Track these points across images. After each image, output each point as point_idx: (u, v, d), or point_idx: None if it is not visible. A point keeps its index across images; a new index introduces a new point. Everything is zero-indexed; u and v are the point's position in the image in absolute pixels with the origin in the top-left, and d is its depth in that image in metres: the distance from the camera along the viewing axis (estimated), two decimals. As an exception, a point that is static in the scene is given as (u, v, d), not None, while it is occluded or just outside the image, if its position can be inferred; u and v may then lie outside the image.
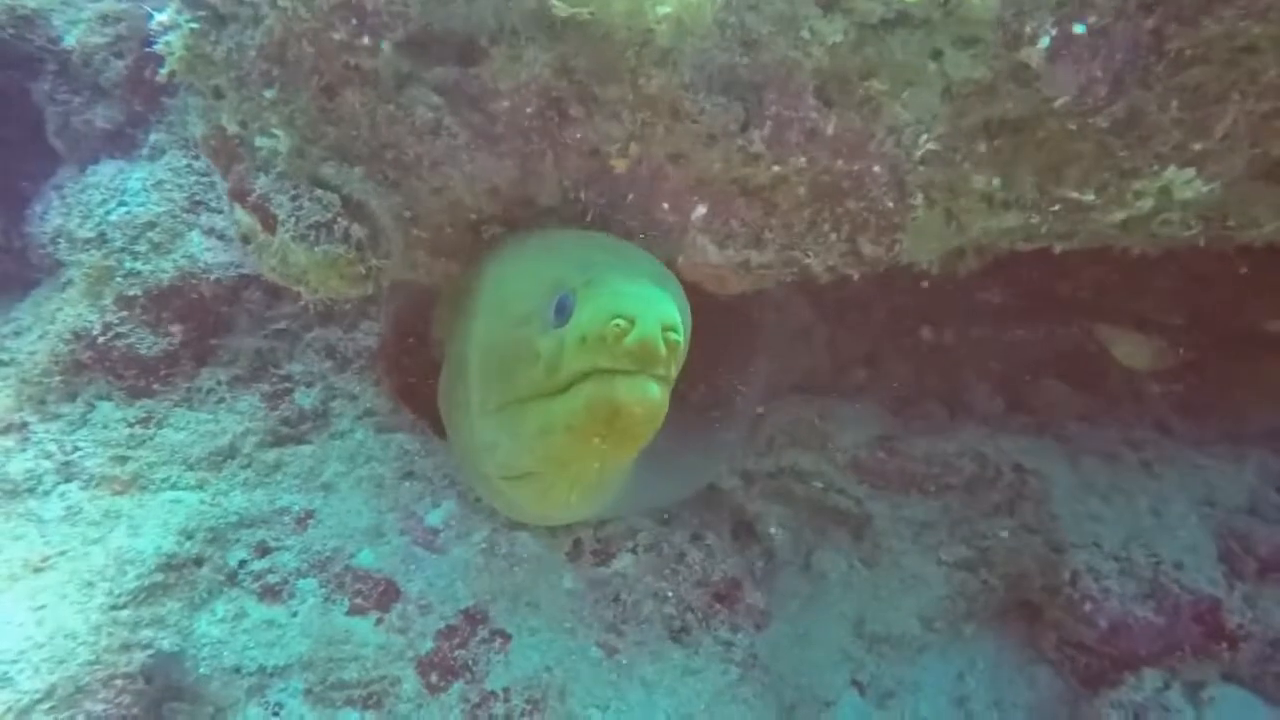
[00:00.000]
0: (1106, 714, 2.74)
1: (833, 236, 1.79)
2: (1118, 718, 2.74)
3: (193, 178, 2.57)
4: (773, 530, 3.04)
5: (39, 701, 1.80)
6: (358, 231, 1.58)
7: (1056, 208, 1.59)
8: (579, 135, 1.66)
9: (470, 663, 2.10)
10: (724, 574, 2.42)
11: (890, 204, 1.70)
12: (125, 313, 2.39)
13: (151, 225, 2.45)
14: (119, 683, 1.88)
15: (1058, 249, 1.90)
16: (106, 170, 2.58)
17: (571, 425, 1.38)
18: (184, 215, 2.51)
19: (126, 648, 1.97)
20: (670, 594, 2.32)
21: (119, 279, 2.39)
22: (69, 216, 2.52)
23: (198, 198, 2.55)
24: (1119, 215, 1.58)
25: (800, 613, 2.89)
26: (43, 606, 1.97)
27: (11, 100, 2.77)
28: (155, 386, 2.43)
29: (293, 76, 1.49)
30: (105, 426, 2.35)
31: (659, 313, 1.33)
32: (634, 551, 2.39)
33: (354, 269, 1.60)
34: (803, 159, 1.61)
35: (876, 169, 1.62)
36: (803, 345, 3.50)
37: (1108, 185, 1.53)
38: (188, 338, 2.47)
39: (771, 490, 3.10)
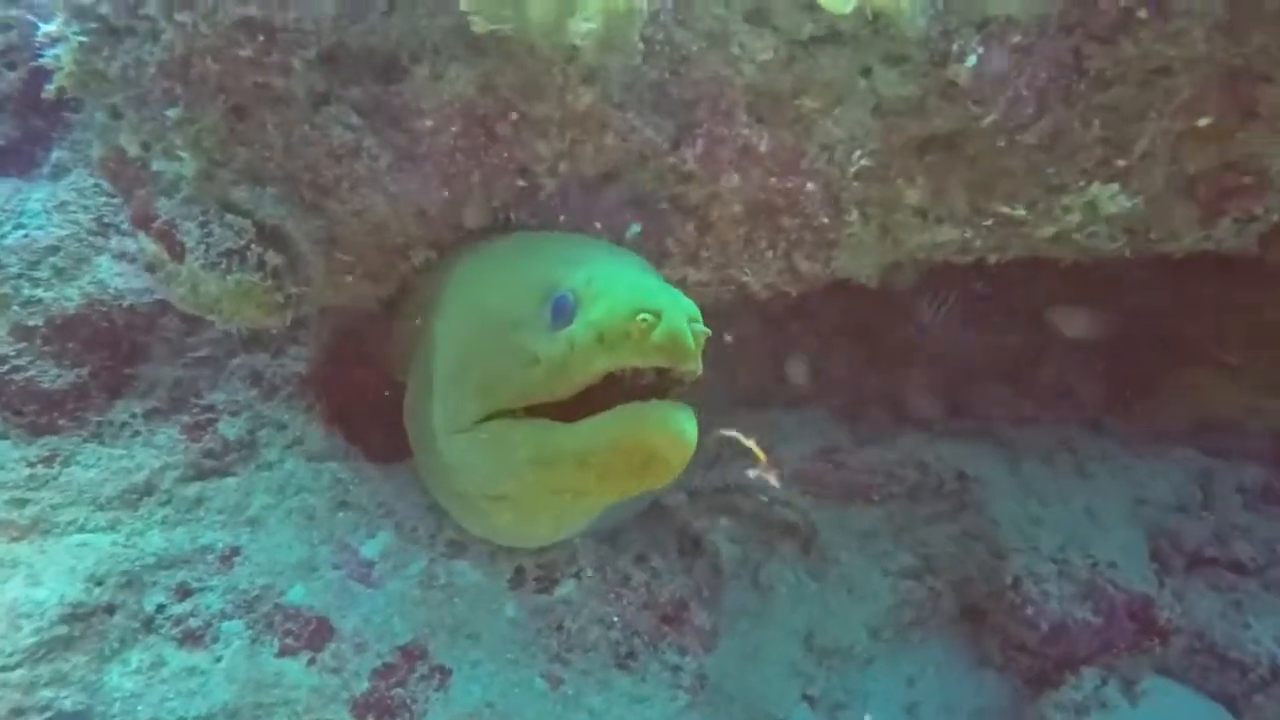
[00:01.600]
0: (1050, 714, 2.78)
1: (769, 254, 1.77)
2: (1060, 717, 2.79)
3: (101, 199, 2.42)
4: (719, 546, 3.02)
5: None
6: (273, 258, 1.49)
7: (989, 222, 1.60)
8: (506, 154, 1.61)
9: (409, 701, 2.01)
10: (670, 595, 2.38)
11: (825, 220, 1.69)
12: (23, 344, 2.23)
13: (54, 250, 2.30)
14: (15, 753, 1.74)
15: (992, 260, 1.92)
16: (1, 190, 2.42)
17: (587, 462, 1.29)
18: (91, 239, 2.36)
19: (21, 713, 1.82)
20: (616, 619, 2.26)
21: (15, 308, 2.23)
22: (-39, 241, 2.35)
23: (106, 220, 2.40)
24: (1049, 230, 1.60)
25: (750, 630, 2.86)
26: (-81, 675, 1.81)
27: None
28: (61, 422, 2.28)
29: (198, 95, 1.41)
30: (1, 468, 2.19)
31: (683, 304, 1.25)
32: (578, 577, 2.33)
33: (271, 297, 1.51)
34: (736, 177, 1.58)
35: (810, 186, 1.61)
36: (745, 356, 3.49)
37: (1037, 201, 1.55)
38: (98, 369, 2.32)
39: (717, 506, 3.07)
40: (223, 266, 1.44)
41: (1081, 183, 1.46)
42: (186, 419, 2.42)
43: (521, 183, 1.65)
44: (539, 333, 1.36)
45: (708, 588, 2.75)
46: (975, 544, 2.94)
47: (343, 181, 1.53)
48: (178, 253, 1.45)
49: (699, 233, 1.74)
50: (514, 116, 1.55)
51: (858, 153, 1.56)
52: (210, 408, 2.45)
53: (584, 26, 1.32)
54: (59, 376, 2.26)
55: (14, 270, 2.24)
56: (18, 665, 1.85)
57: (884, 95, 1.41)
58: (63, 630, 1.95)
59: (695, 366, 1.28)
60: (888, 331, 3.62)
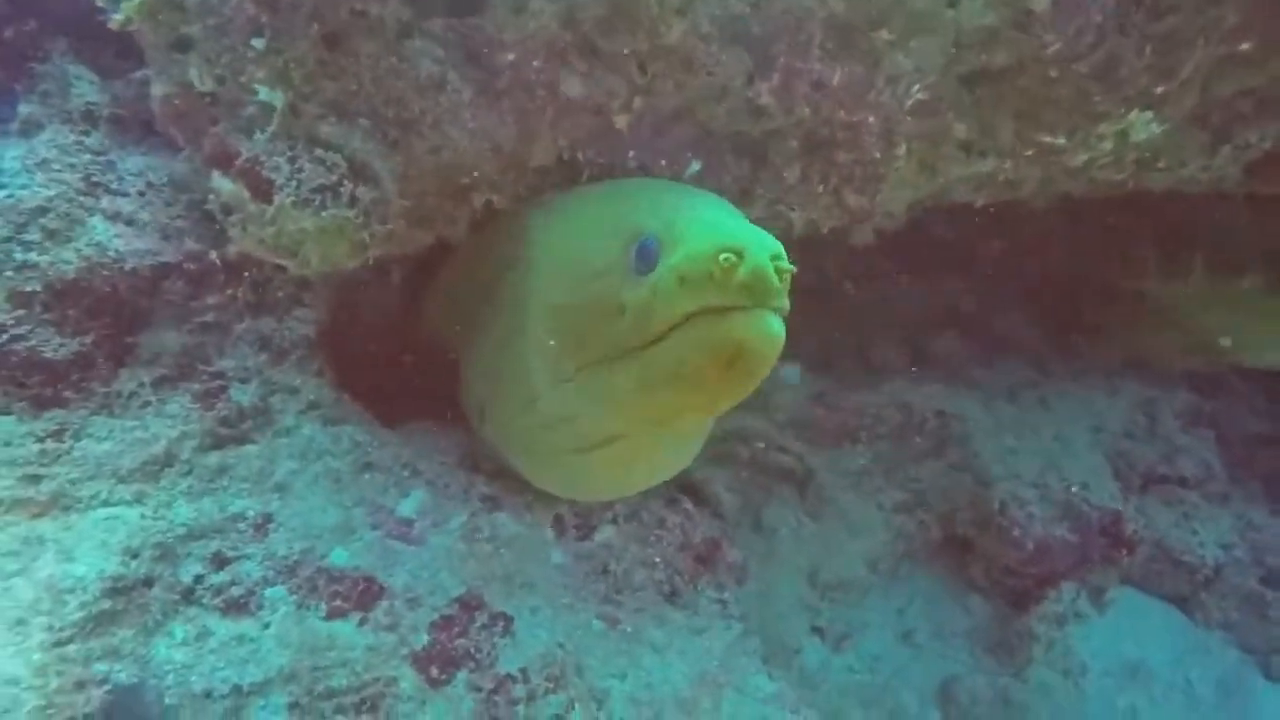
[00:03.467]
0: (1035, 627, 3.02)
1: (820, 189, 1.85)
2: (1044, 629, 3.04)
3: (86, 156, 2.26)
4: (719, 494, 3.11)
5: (-7, 758, 1.56)
6: (365, 195, 1.46)
7: (1030, 152, 1.72)
8: (582, 91, 1.62)
9: (473, 650, 2.00)
10: (704, 535, 2.45)
11: (877, 154, 1.78)
12: (22, 311, 2.08)
13: (43, 210, 2.14)
14: (81, 725, 1.66)
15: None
16: (-33, 150, 2.22)
17: (680, 374, 1.28)
18: (81, 199, 2.20)
19: (81, 685, 1.73)
20: (657, 559, 2.32)
21: (9, 273, 2.08)
22: (-71, 204, 2.16)
23: (95, 179, 2.24)
24: (1082, 157, 1.74)
25: (759, 570, 2.98)
26: (-29, 653, 1.70)
27: None
28: (66, 394, 2.14)
29: (288, 24, 1.36)
30: (8, 444, 2.04)
31: (766, 242, 1.26)
32: (614, 522, 2.37)
33: (359, 235, 1.48)
34: (807, 110, 1.65)
35: (871, 119, 1.70)
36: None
37: (1077, 129, 1.68)
38: (101, 337, 2.18)
39: (715, 455, 3.17)
40: (315, 204, 1.40)
41: (1121, 110, 1.60)
42: (196, 387, 2.31)
43: (593, 120, 1.67)
44: (624, 280, 1.37)
45: (724, 530, 2.83)
46: (962, 475, 3.14)
47: (426, 116, 1.51)
48: (264, 192, 1.40)
49: (755, 169, 1.80)
50: (592, 52, 1.57)
51: (916, 86, 1.65)
52: (220, 374, 2.34)
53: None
54: (61, 346, 2.12)
55: (3, 233, 2.08)
56: (71, 639, 1.76)
57: (965, 25, 1.50)
58: (107, 604, 1.85)
59: (780, 303, 1.28)
60: (848, 286, 3.81)
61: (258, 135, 1.40)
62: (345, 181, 1.43)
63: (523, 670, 1.95)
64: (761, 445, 3.17)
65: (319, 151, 1.42)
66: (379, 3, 1.36)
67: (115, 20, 1.35)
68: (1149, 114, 1.61)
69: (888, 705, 2.85)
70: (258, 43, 1.34)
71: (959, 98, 1.69)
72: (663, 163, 1.76)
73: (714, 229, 1.30)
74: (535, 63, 1.55)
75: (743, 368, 1.27)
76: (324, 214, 1.41)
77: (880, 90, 1.63)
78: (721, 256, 1.22)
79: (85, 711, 1.72)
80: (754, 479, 3.18)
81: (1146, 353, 3.83)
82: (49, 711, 1.68)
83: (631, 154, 1.72)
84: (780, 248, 1.28)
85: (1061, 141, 1.69)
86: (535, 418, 1.65)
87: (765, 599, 2.89)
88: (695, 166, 1.78)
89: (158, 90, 1.43)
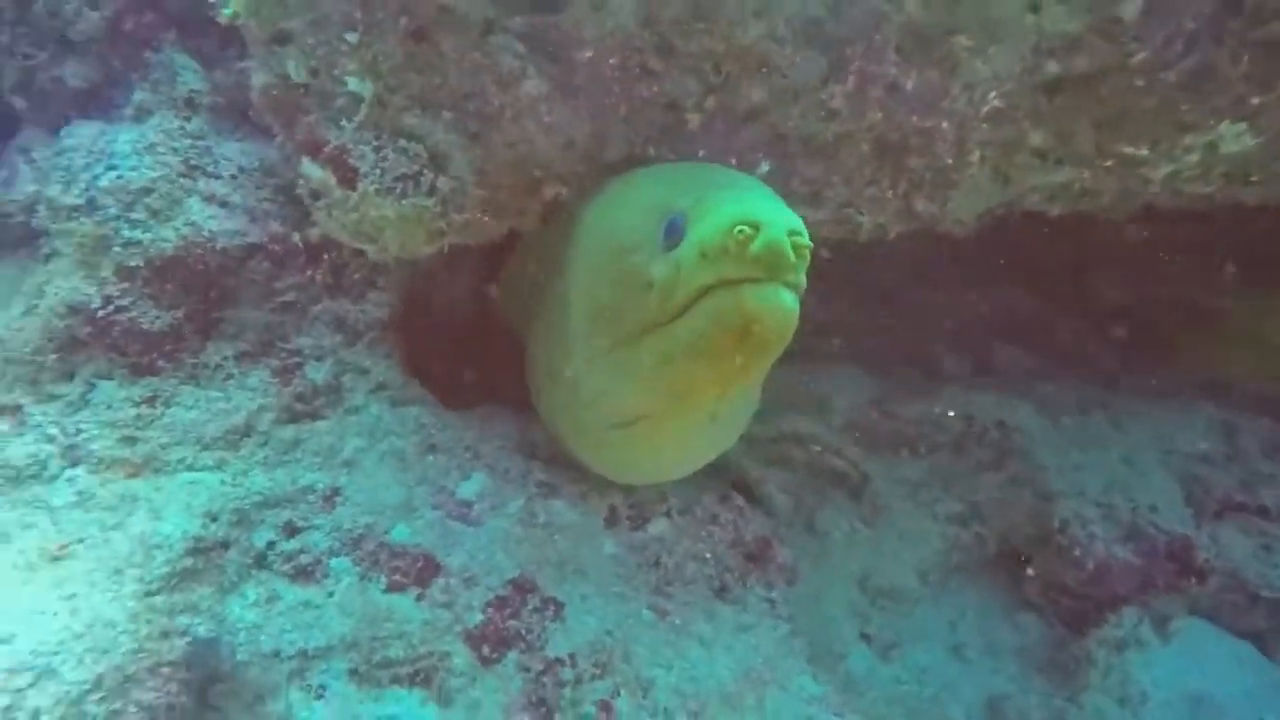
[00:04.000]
0: (1092, 650, 2.94)
1: (890, 194, 1.84)
2: (1102, 653, 2.95)
3: (186, 141, 2.40)
4: (773, 495, 3.11)
5: (88, 692, 1.68)
6: (444, 185, 1.52)
7: (1109, 163, 1.69)
8: (656, 89, 1.65)
9: (523, 631, 2.06)
10: (755, 533, 2.46)
11: (949, 161, 1.76)
12: (126, 284, 2.22)
13: (147, 191, 2.28)
14: (165, 670, 1.77)
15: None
16: (86, 132, 2.38)
17: (696, 346, 1.31)
18: (181, 180, 2.34)
19: (166, 635, 1.85)
20: (708, 555, 2.34)
21: (117, 249, 2.22)
22: (47, 183, 2.32)
23: (193, 162, 2.38)
24: (1166, 169, 1.69)
25: (810, 572, 2.97)
26: (73, 595, 1.83)
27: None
28: (160, 363, 2.27)
29: (379, 19, 1.43)
30: (109, 407, 2.19)
31: (784, 217, 1.27)
32: (668, 515, 2.40)
33: (436, 224, 1.54)
34: (879, 114, 1.65)
35: (945, 125, 1.68)
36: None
37: (1160, 140, 1.64)
38: (192, 311, 2.32)
39: (771, 455, 3.17)
40: (397, 192, 1.47)
41: (1211, 121, 1.56)
42: (275, 363, 2.43)
43: (666, 117, 1.70)
44: (654, 257, 1.39)
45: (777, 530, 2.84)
46: (1022, 490, 3.07)
47: (506, 110, 1.56)
48: (350, 179, 1.48)
49: (826, 172, 1.80)
50: (668, 51, 1.60)
51: (993, 93, 1.64)
52: (297, 352, 2.46)
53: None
54: (158, 318, 2.25)
55: (113, 212, 2.22)
56: (158, 592, 1.88)
57: (1046, 32, 1.49)
58: (189, 562, 1.97)
59: (795, 279, 1.29)
60: (911, 293, 3.76)
61: (346, 125, 1.47)
62: (426, 171, 1.49)
63: (571, 655, 1.99)
64: (818, 449, 3.15)
65: (402, 142, 1.48)
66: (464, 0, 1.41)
67: (223, 15, 1.43)
68: (1242, 125, 1.56)
69: (934, 718, 2.81)
70: (351, 37, 1.41)
71: (1036, 105, 1.67)
72: (732, 162, 1.78)
73: (736, 204, 1.31)
74: (611, 60, 1.59)
75: (754, 340, 1.28)
76: (404, 202, 1.47)
77: (955, 96, 1.62)
78: (737, 229, 1.24)
79: (169, 659, 1.83)
80: (809, 482, 3.17)
81: (1226, 373, 3.68)
82: (139, 655, 1.80)
83: (702, 152, 1.74)
84: (800, 224, 1.29)
85: (1144, 153, 1.65)
86: (576, 395, 1.71)
87: (814, 602, 2.88)
88: (765, 167, 1.79)
89: (257, 80, 1.51)
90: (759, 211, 1.27)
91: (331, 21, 1.42)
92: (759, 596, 2.32)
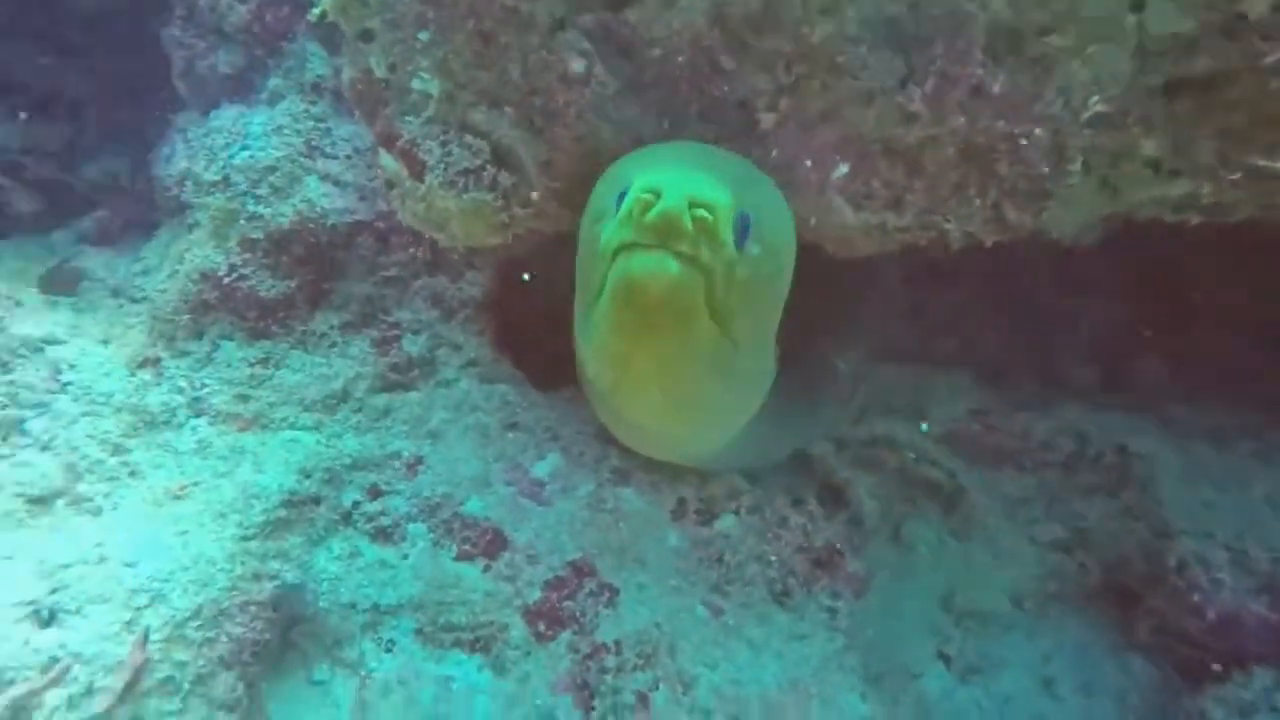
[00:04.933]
0: (1210, 709, 2.67)
1: (977, 201, 1.73)
2: (1222, 714, 2.67)
3: (310, 123, 2.60)
4: (861, 499, 3.02)
5: (189, 619, 1.89)
6: (505, 179, 1.57)
7: (1235, 175, 1.50)
8: (728, 87, 1.62)
9: (578, 614, 2.13)
10: (825, 540, 2.40)
11: (1045, 169, 1.63)
12: (248, 255, 2.44)
13: (272, 169, 2.49)
14: (253, 609, 1.96)
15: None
16: (228, 114, 2.62)
17: (606, 311, 1.35)
18: (302, 160, 2.54)
19: (257, 577, 2.04)
20: (773, 558, 2.31)
21: (243, 221, 2.44)
22: (194, 160, 2.57)
23: (314, 143, 2.58)
24: (1303, 185, 1.49)
25: (889, 583, 2.87)
26: (185, 532, 2.05)
27: (144, 45, 2.83)
28: (273, 328, 2.49)
29: (449, 19, 1.48)
30: (229, 365, 2.42)
31: (688, 188, 1.26)
32: (737, 513, 2.39)
33: (498, 217, 1.59)
34: (962, 119, 1.54)
35: (1038, 132, 1.56)
36: (892, 311, 3.44)
37: (1298, 152, 1.44)
38: (304, 281, 2.51)
39: (862, 459, 3.07)
40: (459, 185, 1.53)
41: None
42: (375, 334, 2.60)
43: (738, 116, 1.66)
44: (609, 223, 1.41)
45: (852, 537, 2.76)
46: (1135, 523, 2.82)
47: (570, 107, 1.58)
48: (418, 171, 1.55)
49: (908, 176, 1.71)
50: (740, 49, 1.56)
51: (1095, 97, 1.49)
52: (396, 324, 2.62)
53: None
54: (273, 287, 2.47)
55: (242, 187, 2.44)
56: (254, 537, 2.08)
57: (1152, 33, 1.34)
58: (283, 513, 2.16)
59: (692, 251, 1.27)
60: (1038, 294, 3.49)
61: (417, 119, 1.54)
62: (488, 166, 1.54)
63: (617, 642, 2.04)
64: (911, 456, 3.03)
65: (468, 137, 1.54)
66: (529, 0, 1.44)
67: (313, 14, 1.53)
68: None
69: (1013, 751, 2.67)
70: (423, 35, 1.47)
71: (1149, 111, 1.51)
72: (807, 163, 1.72)
73: (654, 174, 1.31)
74: (680, 58, 1.57)
75: (639, 306, 1.29)
76: (465, 196, 1.53)
77: (1050, 101, 1.49)
78: (642, 196, 1.25)
79: (258, 599, 2.02)
80: (900, 489, 3.05)
81: None
82: (233, 592, 2.00)
83: (775, 152, 1.70)
84: (712, 197, 1.28)
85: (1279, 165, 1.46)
86: (581, 367, 1.73)
87: (890, 614, 2.78)
88: (843, 169, 1.73)
89: (346, 74, 1.61)
90: (664, 181, 1.27)
91: (406, 21, 1.49)
92: (820, 605, 2.27)
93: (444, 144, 1.54)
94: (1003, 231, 1.79)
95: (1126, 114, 1.54)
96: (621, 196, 1.37)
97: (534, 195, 1.65)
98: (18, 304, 2.50)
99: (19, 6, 2.89)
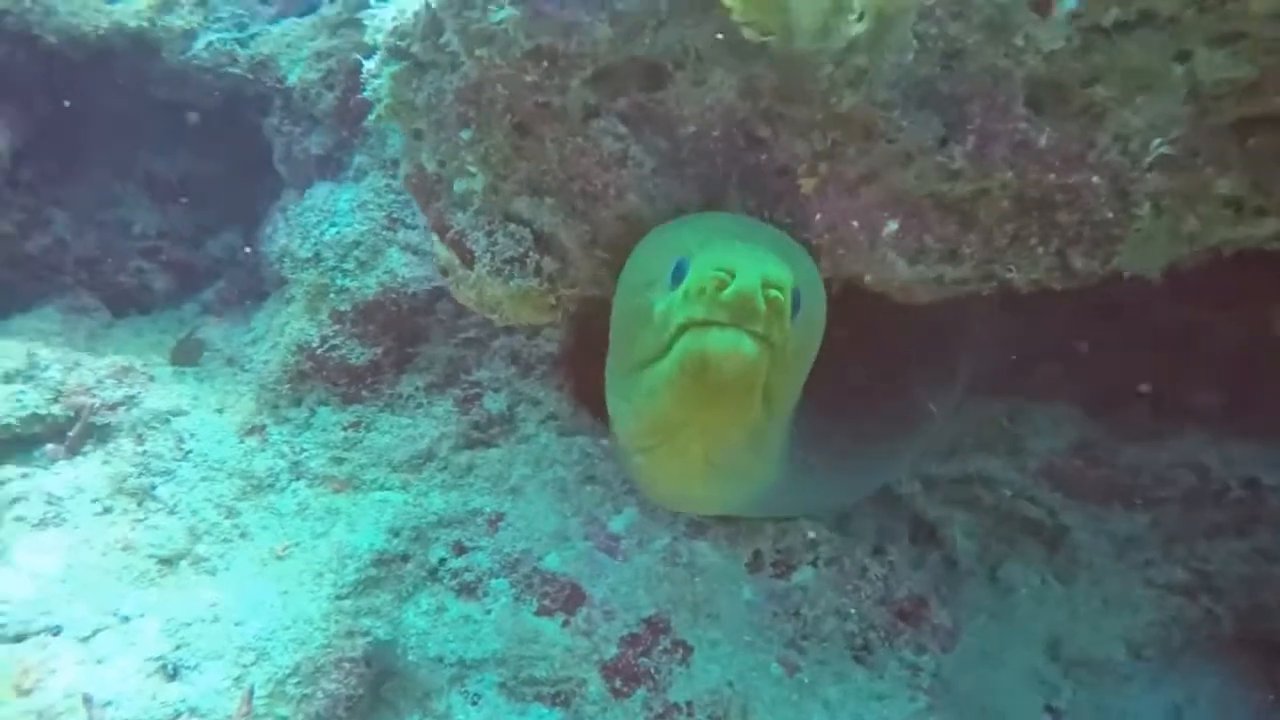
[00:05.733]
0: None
1: (1039, 250, 1.65)
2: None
3: (390, 196, 2.76)
4: (956, 539, 2.90)
5: (289, 676, 2.04)
6: (548, 265, 1.63)
7: (1328, 209, 1.38)
8: (765, 156, 1.62)
9: (653, 671, 2.15)
10: (909, 591, 2.33)
11: (1109, 214, 1.54)
12: (338, 326, 2.62)
13: (357, 244, 2.66)
14: (347, 665, 2.09)
15: None
16: (320, 192, 2.82)
17: (670, 382, 1.37)
18: (384, 233, 2.70)
19: (351, 634, 2.18)
20: (852, 610, 2.26)
21: (332, 295, 2.62)
22: (291, 237, 2.79)
23: (395, 215, 2.74)
24: None
25: (986, 628, 2.74)
26: (286, 592, 2.21)
27: (249, 133, 3.11)
28: (363, 393, 2.65)
29: (487, 117, 1.55)
30: (324, 430, 2.60)
31: (762, 268, 1.29)
32: (814, 565, 2.35)
33: (544, 300, 1.65)
34: (1009, 173, 1.48)
35: (1096, 180, 1.47)
36: (988, 339, 3.28)
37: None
38: (389, 347, 2.66)
39: (955, 497, 2.94)
40: (505, 273, 1.60)
41: None
42: (458, 393, 2.72)
43: (779, 183, 1.66)
44: (662, 295, 1.43)
45: (943, 582, 2.66)
46: (1272, 567, 2.58)
47: (609, 188, 1.62)
48: (468, 260, 1.63)
49: (962, 229, 1.65)
50: (774, 118, 1.56)
51: (1157, 141, 1.40)
52: (477, 383, 2.74)
53: (855, 28, 1.29)
54: (362, 354, 2.63)
55: (331, 263, 2.63)
56: (347, 595, 2.22)
57: (1203, 80, 1.25)
58: (374, 571, 2.30)
59: (761, 327, 1.29)
60: (1151, 309, 3.24)
61: (465, 211, 1.62)
62: (531, 253, 1.60)
63: (689, 703, 2.04)
64: (1008, 493, 2.88)
65: (511, 226, 1.60)
66: (560, 94, 1.49)
67: (370, 118, 1.64)
68: None
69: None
70: (465, 134, 1.55)
71: (1221, 150, 1.40)
72: (854, 223, 1.70)
73: (725, 249, 1.36)
74: (715, 133, 1.59)
75: (710, 382, 1.31)
76: (511, 283, 1.60)
77: (1105, 149, 1.42)
78: (715, 273, 1.27)
79: (351, 655, 2.16)
80: (996, 529, 2.91)
81: None
82: (328, 649, 2.14)
83: (819, 216, 1.68)
84: (780, 278, 1.30)
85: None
86: (612, 424, 1.78)
87: (989, 663, 2.65)
88: (893, 225, 1.69)
89: (403, 169, 1.71)
90: (738, 259, 1.31)
91: (450, 121, 1.57)
92: (902, 662, 2.20)
93: (489, 234, 1.61)
94: (1071, 279, 1.70)
95: (1195, 154, 1.44)
96: (676, 267, 1.41)
97: (581, 273, 1.70)
98: (151, 379, 2.77)
99: (146, 109, 3.22)
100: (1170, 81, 1.27)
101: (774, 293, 1.28)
